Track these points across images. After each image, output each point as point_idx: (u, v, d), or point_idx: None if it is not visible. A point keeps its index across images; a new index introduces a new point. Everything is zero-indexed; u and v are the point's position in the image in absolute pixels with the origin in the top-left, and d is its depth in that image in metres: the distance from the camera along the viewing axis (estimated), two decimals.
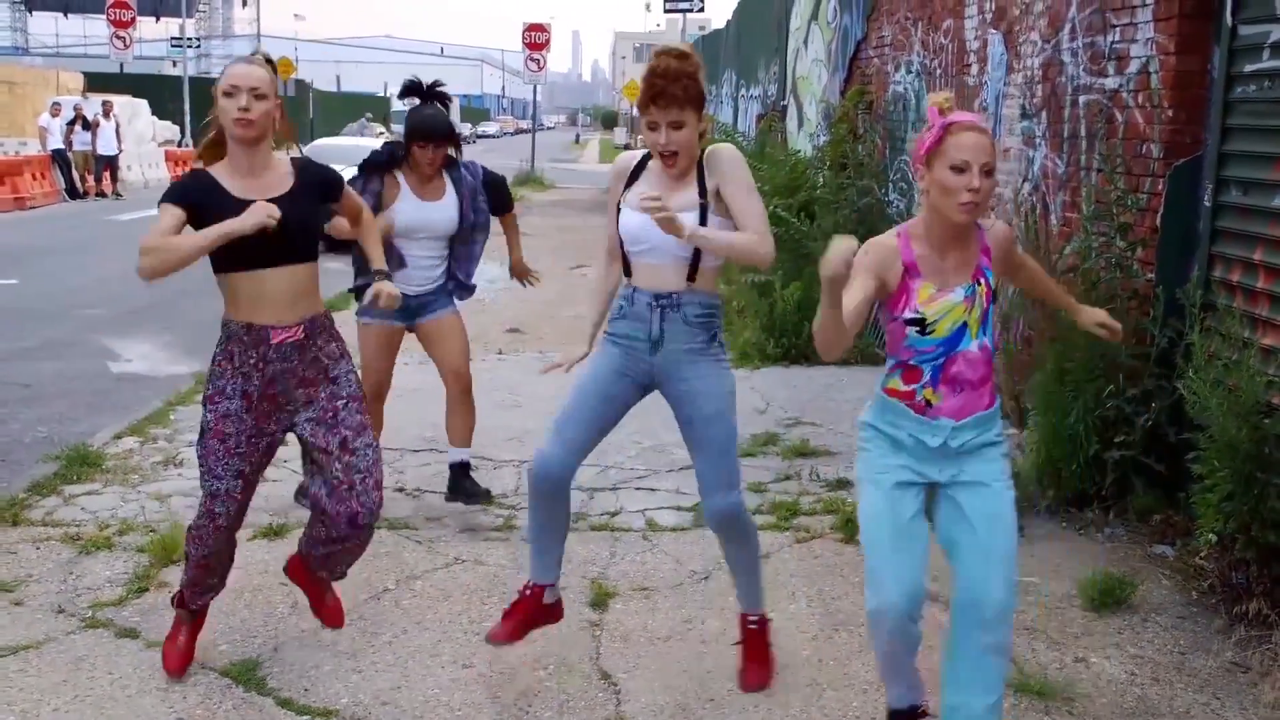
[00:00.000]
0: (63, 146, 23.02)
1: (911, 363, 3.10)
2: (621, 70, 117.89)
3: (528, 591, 3.88)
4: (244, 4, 79.10)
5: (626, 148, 20.96)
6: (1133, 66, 5.73)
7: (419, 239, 5.21)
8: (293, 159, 3.75)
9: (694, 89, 3.46)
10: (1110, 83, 5.96)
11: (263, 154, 3.64)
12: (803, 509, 5.58)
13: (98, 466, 6.02)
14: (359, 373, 4.13)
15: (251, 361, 3.61)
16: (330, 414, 3.70)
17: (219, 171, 3.63)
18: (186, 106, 39.22)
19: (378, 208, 5.07)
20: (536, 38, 31.89)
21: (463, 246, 5.40)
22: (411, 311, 5.25)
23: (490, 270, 13.86)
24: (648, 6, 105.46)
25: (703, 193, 3.50)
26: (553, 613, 3.96)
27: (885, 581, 3.07)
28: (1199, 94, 5.30)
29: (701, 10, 40.26)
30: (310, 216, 3.71)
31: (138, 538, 5.06)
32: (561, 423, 3.69)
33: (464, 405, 5.47)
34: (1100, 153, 5.95)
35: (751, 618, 3.91)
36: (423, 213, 5.18)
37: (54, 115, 23.25)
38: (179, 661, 3.88)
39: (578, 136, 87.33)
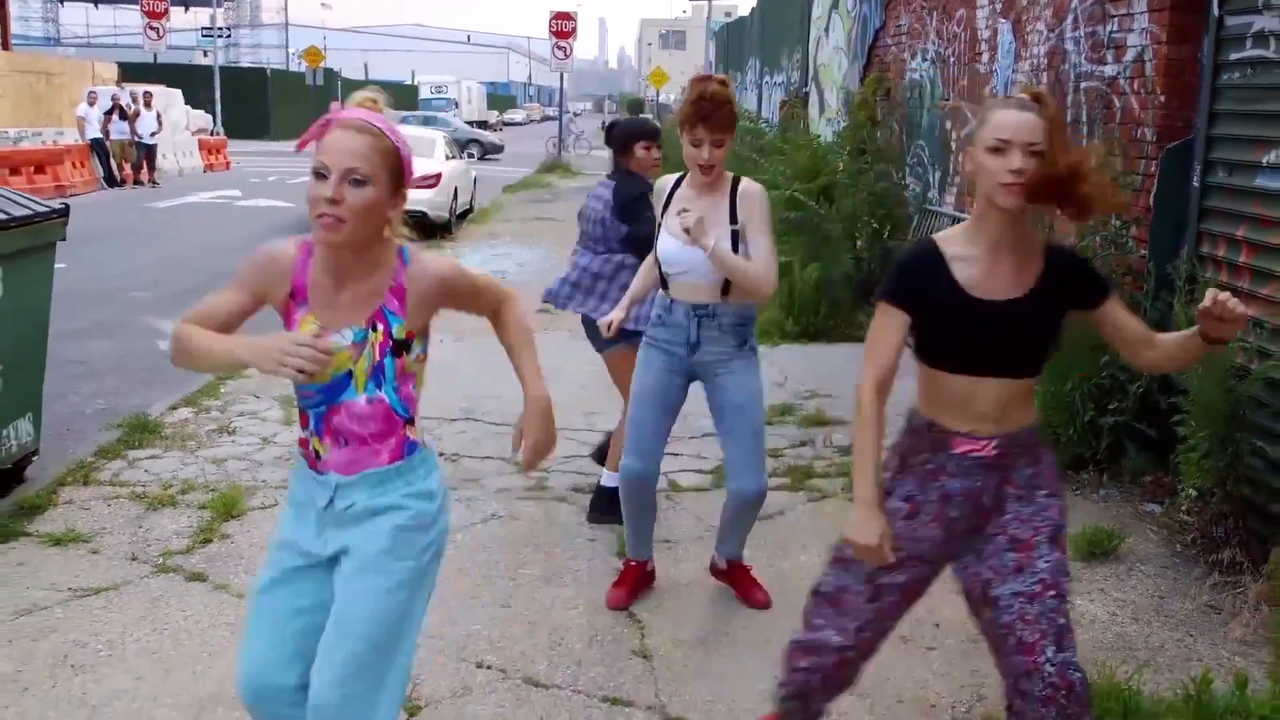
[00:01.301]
0: (100, 136, 23.53)
1: (300, 405, 2.64)
2: (647, 57, 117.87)
3: (633, 564, 4.50)
4: None
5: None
6: (1129, 55, 6.06)
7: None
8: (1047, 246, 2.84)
9: (733, 114, 3.98)
10: (1109, 70, 6.30)
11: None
12: (816, 472, 5.96)
13: (157, 434, 6.45)
14: None
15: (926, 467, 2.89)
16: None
17: (956, 246, 2.80)
18: (217, 95, 39.89)
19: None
20: (563, 26, 32.27)
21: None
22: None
23: (520, 254, 14.32)
24: None
25: (734, 220, 3.98)
26: (651, 578, 4.59)
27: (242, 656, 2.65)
28: (1190, 81, 5.63)
29: None
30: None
31: (199, 496, 5.48)
32: (638, 439, 4.21)
33: None
34: (1099, 136, 6.28)
35: (739, 563, 4.51)
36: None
37: (91, 104, 23.77)
38: None
39: (604, 123, 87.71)
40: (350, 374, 2.54)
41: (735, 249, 3.95)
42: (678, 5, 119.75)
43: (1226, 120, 5.32)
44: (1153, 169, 5.78)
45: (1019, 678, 2.67)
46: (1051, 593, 2.71)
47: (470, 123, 64.80)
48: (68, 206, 5.75)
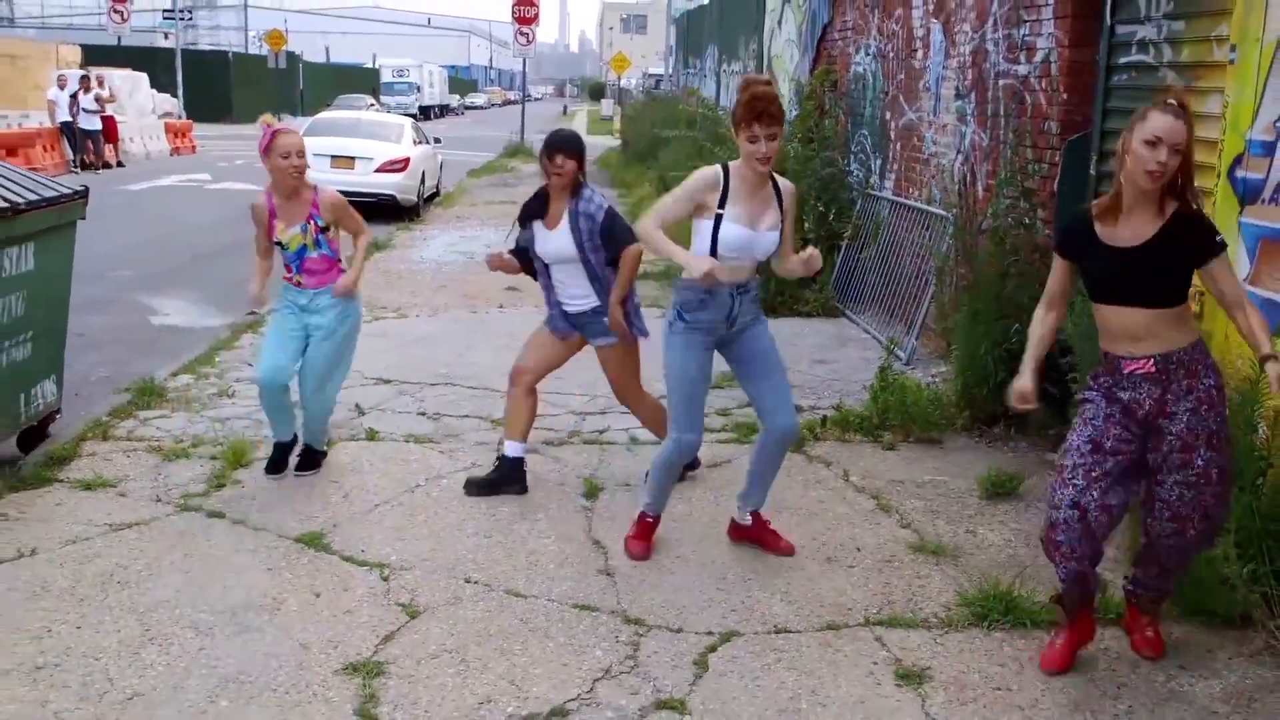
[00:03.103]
0: (69, 119, 23.83)
1: (286, 261, 5.56)
2: (609, 41, 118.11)
3: (649, 519, 4.99)
4: None
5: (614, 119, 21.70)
6: (1038, 56, 6.81)
7: (555, 264, 5.47)
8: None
9: (781, 110, 4.50)
10: (1022, 69, 7.04)
11: None
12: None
13: (162, 397, 7.08)
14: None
15: (1107, 385, 3.87)
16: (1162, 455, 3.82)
17: (1101, 212, 3.83)
18: (180, 79, 40.06)
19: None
20: (526, 11, 32.74)
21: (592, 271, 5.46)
22: (579, 326, 5.59)
23: (487, 235, 14.94)
24: None
25: (782, 214, 4.62)
26: (655, 530, 5.07)
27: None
28: (1088, 81, 6.37)
29: None
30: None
31: (209, 449, 6.13)
32: (694, 414, 4.73)
33: (635, 414, 5.89)
34: (1012, 129, 7.03)
35: (764, 515, 5.06)
36: (541, 237, 5.44)
37: (61, 88, 24.05)
38: (1059, 661, 4.03)
39: (565, 108, 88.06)
40: (304, 245, 5.50)
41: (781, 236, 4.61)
42: None
43: (1116, 116, 6.05)
44: (1057, 158, 6.52)
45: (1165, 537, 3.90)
46: (1204, 482, 3.78)
47: (431, 106, 64.89)
48: (87, 189, 6.36)
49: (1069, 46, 6.43)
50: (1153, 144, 3.59)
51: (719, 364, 4.86)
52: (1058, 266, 4.03)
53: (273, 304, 5.98)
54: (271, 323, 5.87)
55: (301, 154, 5.52)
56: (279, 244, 5.55)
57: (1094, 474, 3.84)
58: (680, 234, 4.68)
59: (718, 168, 4.65)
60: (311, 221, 5.51)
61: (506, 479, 5.63)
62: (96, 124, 24.06)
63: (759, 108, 4.39)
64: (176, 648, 4.03)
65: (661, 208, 4.66)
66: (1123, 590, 4.27)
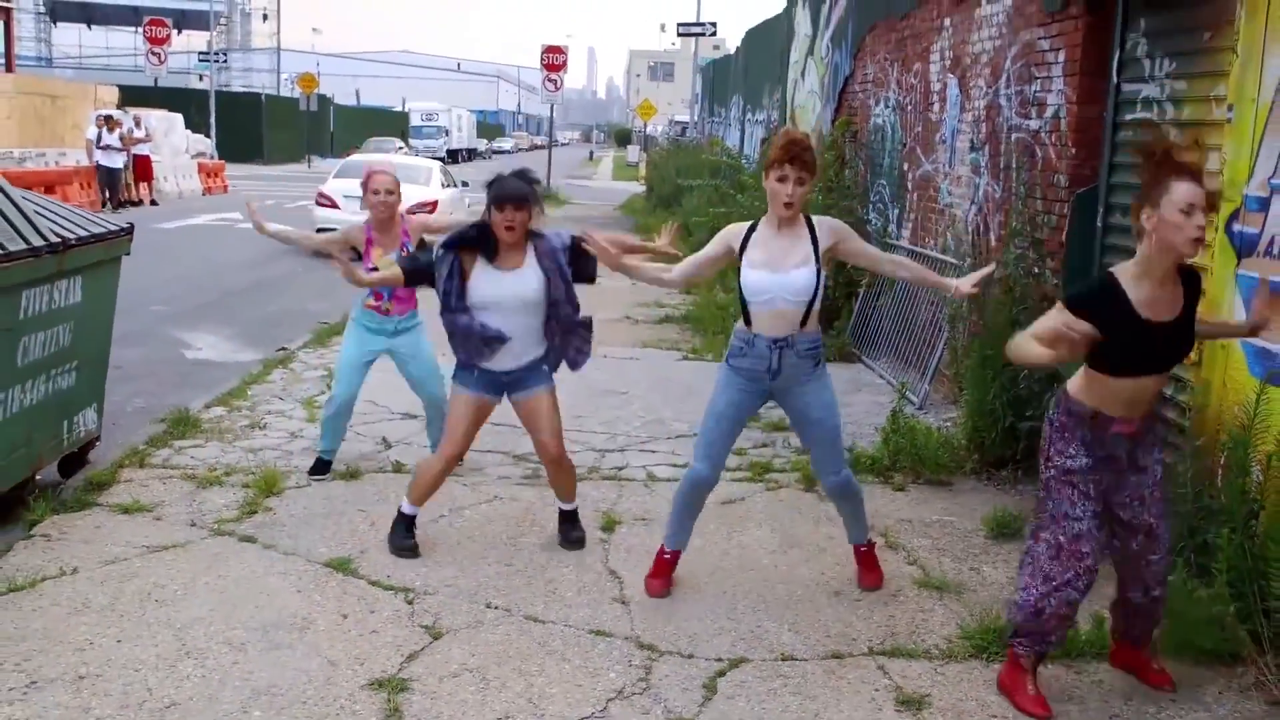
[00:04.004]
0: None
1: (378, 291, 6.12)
2: (636, 88, 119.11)
3: (667, 555, 5.08)
4: (264, 18, 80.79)
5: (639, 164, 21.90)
6: (1049, 112, 7.04)
7: (500, 312, 5.15)
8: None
9: (814, 160, 4.64)
10: (1033, 124, 7.27)
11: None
12: (774, 467, 6.88)
13: (197, 427, 7.33)
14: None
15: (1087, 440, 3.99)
16: (1138, 498, 4.04)
17: (1130, 282, 3.83)
18: (213, 120, 40.82)
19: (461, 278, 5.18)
20: (554, 59, 33.37)
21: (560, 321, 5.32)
22: (504, 387, 5.34)
23: None
24: (663, 27, 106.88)
25: (816, 252, 4.63)
26: (674, 567, 5.12)
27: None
28: (1096, 136, 6.59)
29: (714, 35, 41.55)
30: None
31: (241, 477, 6.36)
32: (710, 447, 4.85)
33: (559, 471, 5.52)
34: (1023, 181, 7.25)
35: (861, 546, 5.20)
36: (498, 281, 5.14)
37: (109, 129, 24.54)
38: (1045, 705, 4.09)
39: (591, 154, 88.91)
40: None
41: (817, 283, 4.59)
42: (667, 37, 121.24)
43: (1122, 170, 6.27)
44: (1065, 210, 6.73)
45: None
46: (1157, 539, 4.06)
47: (459, 150, 65.55)
48: (133, 226, 6.65)
49: (1077, 103, 6.66)
50: (1189, 212, 3.65)
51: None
52: (1053, 314, 3.92)
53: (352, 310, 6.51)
54: (350, 347, 6.38)
55: (391, 191, 6.24)
56: (374, 270, 6.04)
57: (1094, 553, 4.01)
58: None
59: (742, 225, 4.81)
60: (404, 249, 6.17)
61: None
62: (117, 162, 24.39)
63: (794, 151, 4.55)
64: (211, 661, 4.24)
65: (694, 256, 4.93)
66: (1114, 634, 4.42)
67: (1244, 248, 5.11)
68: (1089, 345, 3.79)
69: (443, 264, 5.14)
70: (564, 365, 5.44)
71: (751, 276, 4.64)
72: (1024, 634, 4.16)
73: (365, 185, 6.29)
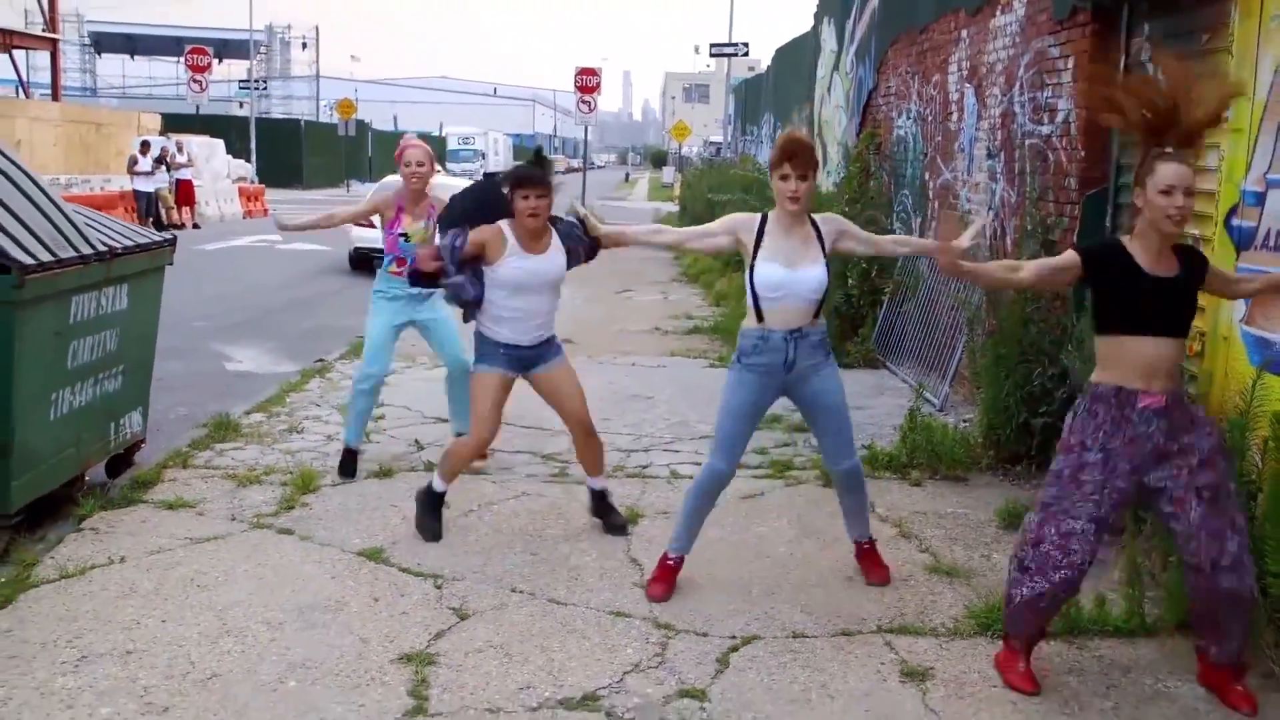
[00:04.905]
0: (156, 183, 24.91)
1: (403, 254, 6.31)
2: (671, 110, 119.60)
3: (670, 561, 5.14)
4: (304, 46, 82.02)
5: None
6: (1059, 117, 7.22)
7: (529, 293, 5.50)
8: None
9: (814, 157, 4.84)
10: (1045, 129, 7.45)
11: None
12: (794, 465, 7.07)
13: (237, 432, 7.61)
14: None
15: (1114, 420, 4.05)
16: (1185, 470, 4.02)
17: (1133, 248, 4.07)
18: (253, 145, 41.52)
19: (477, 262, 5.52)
20: (588, 81, 33.74)
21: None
22: (526, 362, 5.64)
23: None
24: (696, 49, 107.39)
25: (824, 249, 4.87)
26: (677, 573, 5.18)
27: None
28: (1104, 140, 6.76)
29: (745, 54, 41.79)
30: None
31: (280, 476, 6.63)
32: (729, 444, 4.96)
33: (588, 441, 5.79)
34: (1036, 185, 7.42)
35: (864, 542, 5.32)
36: (530, 266, 5.47)
37: (143, 154, 25.18)
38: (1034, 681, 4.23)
39: (627, 175, 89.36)
40: (424, 241, 6.13)
41: (829, 280, 4.84)
42: (701, 60, 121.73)
43: (1128, 171, 6.42)
44: (1076, 212, 6.90)
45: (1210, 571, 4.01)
46: (1227, 495, 4.02)
47: (496, 173, 66.02)
48: (175, 237, 6.95)
49: (1086, 108, 6.83)
50: (1168, 192, 3.89)
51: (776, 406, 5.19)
52: (1064, 260, 4.19)
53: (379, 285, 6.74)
54: (378, 323, 6.65)
55: (422, 164, 6.56)
56: (404, 235, 6.50)
57: (1083, 555, 4.09)
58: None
59: (754, 215, 5.01)
60: (432, 220, 6.41)
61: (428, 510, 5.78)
62: (150, 187, 24.97)
63: (790, 149, 4.77)
64: (250, 639, 4.49)
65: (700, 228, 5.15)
66: (1199, 652, 4.32)
67: (1242, 241, 5.27)
68: (1070, 278, 4.19)
69: (456, 239, 5.42)
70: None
71: (767, 270, 4.80)
72: (1005, 618, 4.33)
73: (399, 158, 6.61)
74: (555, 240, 5.54)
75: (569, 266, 5.60)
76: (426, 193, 6.62)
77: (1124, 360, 4.05)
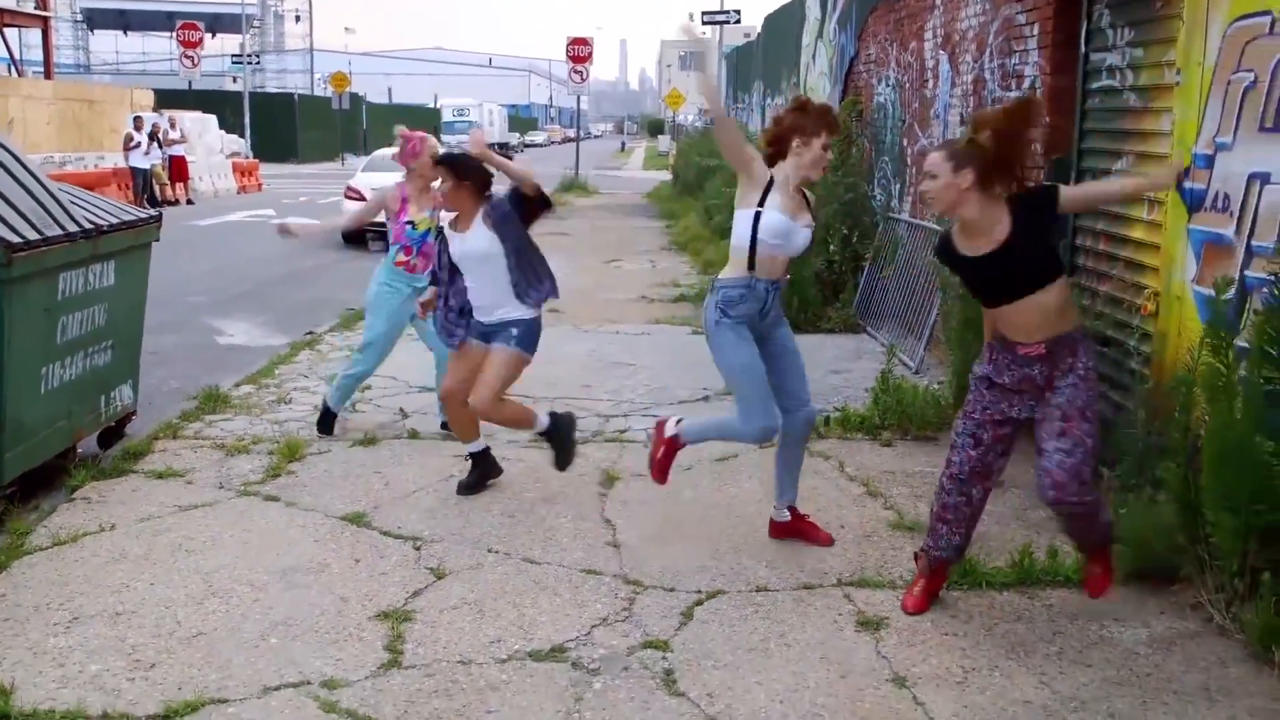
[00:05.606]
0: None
1: (407, 244, 6.69)
2: (667, 79, 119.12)
3: (681, 442, 5.38)
4: (297, 19, 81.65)
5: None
6: (1026, 83, 7.35)
7: (467, 272, 5.81)
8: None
9: None
10: (1013, 95, 7.58)
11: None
12: None
13: (227, 403, 7.80)
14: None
15: (1004, 363, 4.44)
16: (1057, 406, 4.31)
17: (955, 232, 4.48)
18: (247, 120, 41.53)
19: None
20: (580, 50, 33.74)
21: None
22: (485, 337, 5.85)
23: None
24: (690, 16, 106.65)
25: (813, 216, 5.17)
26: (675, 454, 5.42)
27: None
28: (1069, 105, 6.90)
29: (738, 22, 41.68)
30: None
31: (267, 445, 6.81)
32: (761, 400, 5.03)
33: (460, 411, 6.01)
34: None
35: (800, 509, 5.48)
36: (457, 246, 5.78)
37: (137, 129, 25.25)
38: (916, 604, 4.66)
39: (623, 144, 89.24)
40: (429, 230, 6.56)
41: (812, 241, 5.21)
42: (697, 28, 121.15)
43: (1091, 136, 6.59)
44: (1042, 177, 7.04)
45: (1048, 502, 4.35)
46: (1080, 449, 4.24)
47: (491, 144, 66.00)
48: (161, 214, 7.11)
49: (1050, 74, 6.97)
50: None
51: None
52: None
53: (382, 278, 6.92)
54: (384, 326, 6.92)
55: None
56: (410, 224, 6.73)
57: (976, 468, 4.53)
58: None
59: (772, 171, 5.05)
60: (437, 209, 6.59)
61: (485, 471, 6.16)
62: (145, 163, 25.09)
63: (836, 123, 5.10)
64: (235, 599, 4.68)
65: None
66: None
67: (1194, 203, 5.42)
68: None
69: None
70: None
71: (776, 218, 4.92)
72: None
73: (411, 157, 6.75)
74: (479, 221, 5.68)
75: (517, 227, 5.70)
76: (429, 189, 6.79)
77: (999, 323, 4.46)
